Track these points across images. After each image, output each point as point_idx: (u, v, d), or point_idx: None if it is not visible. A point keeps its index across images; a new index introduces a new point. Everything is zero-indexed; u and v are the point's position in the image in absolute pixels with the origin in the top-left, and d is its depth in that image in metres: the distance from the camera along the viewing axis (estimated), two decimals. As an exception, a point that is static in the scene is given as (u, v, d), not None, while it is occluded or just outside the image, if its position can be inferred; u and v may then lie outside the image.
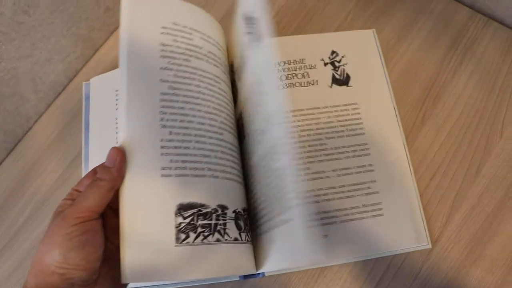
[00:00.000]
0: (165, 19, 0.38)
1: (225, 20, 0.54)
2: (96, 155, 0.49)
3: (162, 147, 0.34)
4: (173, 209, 0.33)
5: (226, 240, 0.35)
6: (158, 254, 0.32)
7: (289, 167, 0.35)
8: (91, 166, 0.49)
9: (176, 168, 0.34)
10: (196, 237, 0.34)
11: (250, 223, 0.43)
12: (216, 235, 0.35)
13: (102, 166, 0.32)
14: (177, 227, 0.33)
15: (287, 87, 0.48)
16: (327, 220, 0.43)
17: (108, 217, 0.33)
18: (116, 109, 0.49)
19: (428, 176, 0.46)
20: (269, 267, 0.41)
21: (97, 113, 0.51)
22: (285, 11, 0.55)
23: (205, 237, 0.34)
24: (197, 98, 0.37)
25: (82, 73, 0.55)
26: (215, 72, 0.40)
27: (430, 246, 0.43)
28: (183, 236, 0.33)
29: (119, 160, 0.32)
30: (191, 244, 0.33)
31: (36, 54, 0.48)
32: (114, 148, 0.33)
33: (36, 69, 0.50)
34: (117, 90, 0.50)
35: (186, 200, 0.34)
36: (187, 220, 0.34)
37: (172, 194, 0.33)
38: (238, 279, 0.43)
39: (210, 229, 0.34)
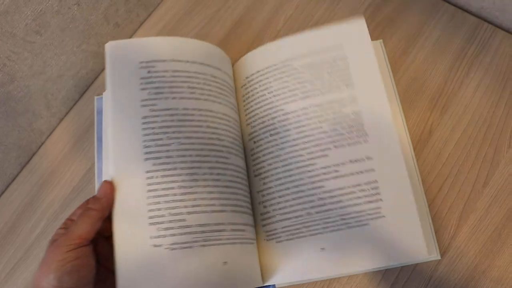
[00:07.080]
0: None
1: (231, 35, 0.55)
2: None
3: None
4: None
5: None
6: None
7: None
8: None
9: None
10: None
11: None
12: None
13: (94, 197, 0.36)
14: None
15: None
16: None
17: (100, 244, 0.36)
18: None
19: (436, 187, 0.46)
20: (279, 279, 0.42)
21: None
22: (291, 22, 0.55)
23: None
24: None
25: (93, 88, 0.56)
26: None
27: (439, 257, 0.43)
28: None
29: (109, 192, 0.35)
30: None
31: (47, 71, 0.50)
32: (106, 181, 0.36)
33: (48, 86, 0.51)
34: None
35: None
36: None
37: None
38: (248, 291, 0.43)
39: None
